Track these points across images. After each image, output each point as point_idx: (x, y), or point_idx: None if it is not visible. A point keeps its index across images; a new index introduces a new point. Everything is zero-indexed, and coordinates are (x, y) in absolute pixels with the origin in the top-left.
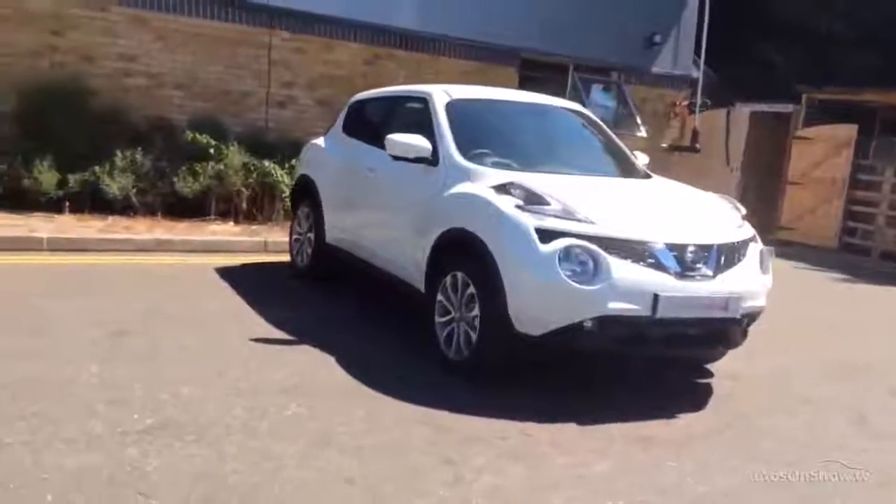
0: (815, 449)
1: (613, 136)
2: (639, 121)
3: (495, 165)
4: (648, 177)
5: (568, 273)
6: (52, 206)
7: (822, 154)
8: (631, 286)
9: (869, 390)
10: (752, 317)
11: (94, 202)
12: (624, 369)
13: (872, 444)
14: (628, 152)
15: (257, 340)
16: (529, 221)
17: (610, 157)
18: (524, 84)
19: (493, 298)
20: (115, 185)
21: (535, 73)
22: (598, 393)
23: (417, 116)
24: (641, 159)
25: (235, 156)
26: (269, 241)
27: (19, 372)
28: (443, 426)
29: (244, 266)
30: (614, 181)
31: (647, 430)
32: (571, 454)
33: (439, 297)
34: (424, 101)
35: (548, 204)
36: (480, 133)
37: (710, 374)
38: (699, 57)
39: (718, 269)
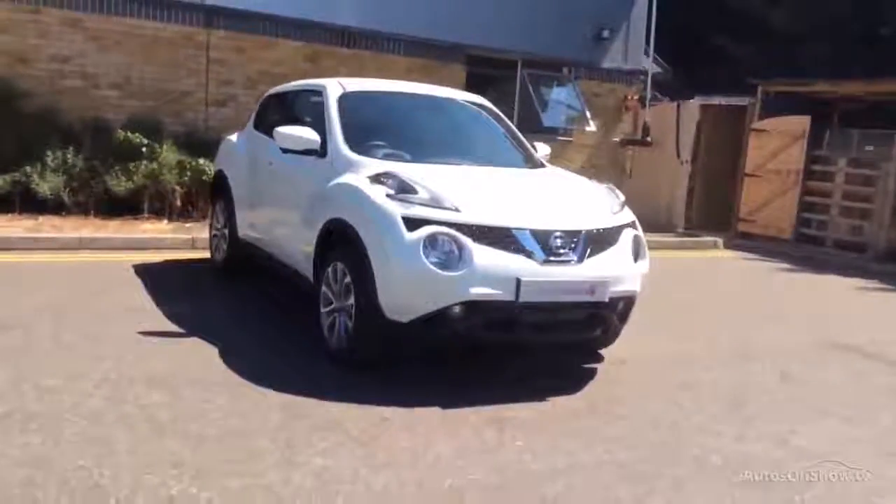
0: (669, 434)
1: (512, 128)
2: (588, 115)
3: (385, 157)
4: (541, 167)
5: (432, 260)
6: None
7: (777, 146)
8: (493, 271)
9: (760, 375)
10: (627, 301)
11: (25, 202)
12: (513, 355)
13: (735, 429)
14: (526, 143)
15: (146, 333)
16: (396, 210)
17: (503, 148)
18: (472, 81)
19: (365, 287)
20: (45, 186)
21: (482, 70)
22: (478, 378)
23: (314, 109)
24: (542, 150)
25: (170, 154)
26: (198, 238)
27: None
28: (300, 413)
29: (164, 262)
30: (499, 171)
31: (511, 412)
32: (421, 436)
33: (323, 287)
34: (320, 93)
35: (416, 193)
36: (373, 125)
37: (601, 359)
38: (650, 52)
39: (586, 255)
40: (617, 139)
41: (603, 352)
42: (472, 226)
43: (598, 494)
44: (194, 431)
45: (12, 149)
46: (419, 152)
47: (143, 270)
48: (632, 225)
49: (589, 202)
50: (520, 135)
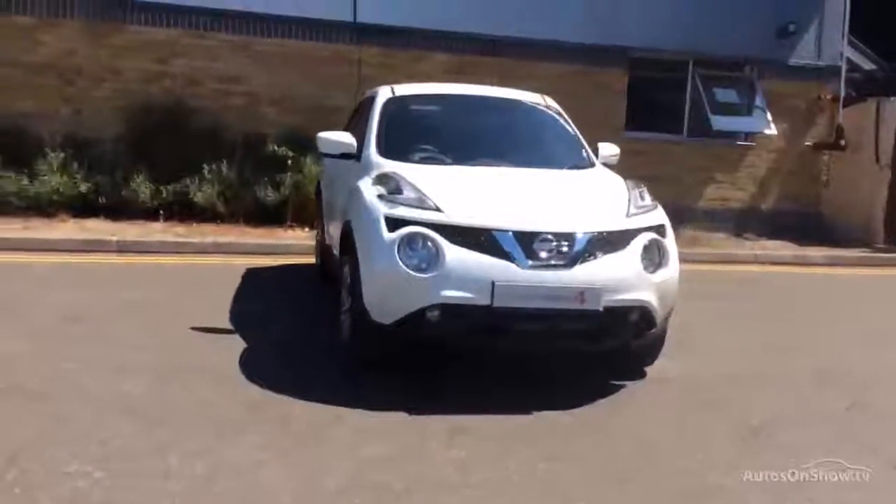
0: (645, 460)
1: (569, 127)
2: (769, 117)
3: (423, 160)
4: (590, 167)
5: (406, 260)
6: (149, 214)
7: None
8: (467, 274)
9: (822, 402)
10: (641, 313)
11: (184, 211)
12: (536, 364)
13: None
14: (581, 143)
15: (197, 329)
16: (381, 210)
17: (552, 149)
18: (635, 85)
19: (356, 288)
20: (201, 196)
21: (647, 73)
22: (479, 385)
23: (367, 114)
24: (606, 150)
25: (314, 166)
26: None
27: None
28: (260, 407)
29: (278, 266)
30: (526, 172)
31: (480, 423)
32: (362, 438)
33: (341, 288)
34: (373, 98)
35: (402, 193)
36: (417, 128)
37: (640, 376)
38: (843, 45)
39: (579, 260)
40: (809, 143)
41: (654, 370)
42: (451, 226)
43: None
44: (150, 414)
45: (178, 162)
46: (461, 155)
47: (251, 273)
48: (654, 230)
49: (599, 204)
50: (577, 135)
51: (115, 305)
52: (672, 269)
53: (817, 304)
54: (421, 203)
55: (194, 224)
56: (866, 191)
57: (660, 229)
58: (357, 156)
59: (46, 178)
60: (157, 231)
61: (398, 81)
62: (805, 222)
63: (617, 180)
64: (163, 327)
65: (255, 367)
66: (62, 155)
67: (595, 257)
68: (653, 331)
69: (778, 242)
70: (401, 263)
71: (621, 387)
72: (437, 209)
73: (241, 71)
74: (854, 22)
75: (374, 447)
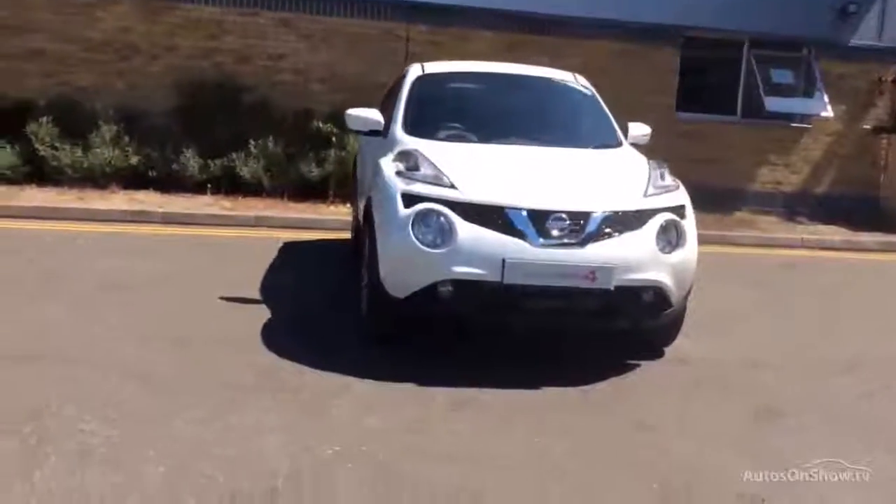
0: (643, 438)
1: (599, 106)
2: (826, 99)
3: (449, 138)
4: (617, 146)
5: (419, 236)
6: (197, 187)
7: None
8: (478, 250)
9: (838, 389)
10: (655, 293)
11: (231, 185)
12: (554, 341)
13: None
14: (610, 122)
15: (225, 299)
16: (398, 186)
17: (580, 128)
18: (687, 65)
19: (373, 262)
20: (246, 170)
21: (700, 53)
22: (493, 359)
23: (397, 92)
24: (636, 130)
25: (356, 143)
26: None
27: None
28: (273, 375)
29: (314, 241)
30: (550, 151)
31: (487, 396)
32: (364, 408)
33: (362, 262)
34: (404, 76)
35: (419, 170)
36: (446, 106)
37: (658, 356)
38: None
39: (591, 239)
40: (867, 126)
41: (673, 350)
42: (465, 203)
43: (452, 484)
44: (168, 380)
45: (226, 137)
46: (487, 133)
47: (287, 247)
48: (672, 210)
49: (616, 184)
50: (607, 114)
51: (153, 275)
52: (689, 250)
53: (860, 292)
54: (437, 180)
55: (240, 198)
56: None
57: (679, 210)
58: (385, 133)
59: (99, 150)
60: (204, 204)
61: (445, 59)
62: (861, 207)
63: (640, 160)
64: (193, 297)
65: (274, 337)
66: (115, 128)
67: (609, 236)
68: (669, 311)
69: (831, 227)
70: (414, 238)
71: (636, 366)
72: (453, 186)
73: (289, 48)
74: None
75: (377, 417)
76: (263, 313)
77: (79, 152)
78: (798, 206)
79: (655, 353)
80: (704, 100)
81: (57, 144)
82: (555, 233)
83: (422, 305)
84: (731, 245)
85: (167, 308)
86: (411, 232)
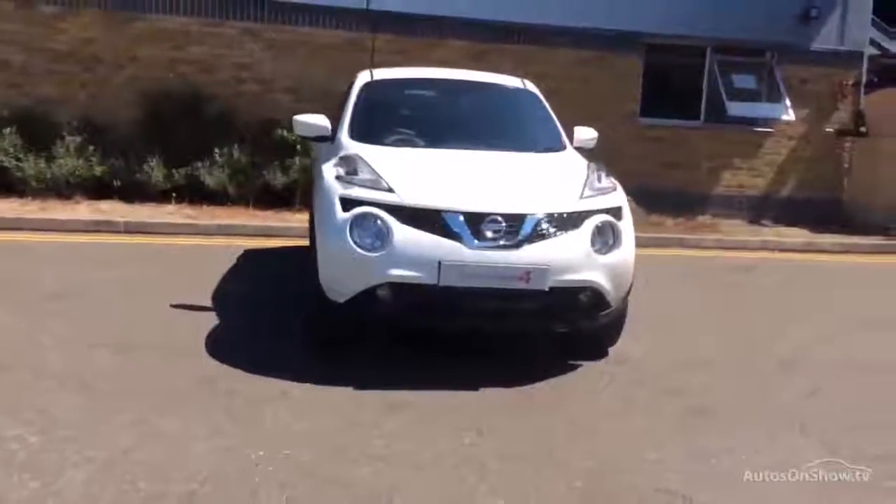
0: (569, 435)
1: (545, 111)
2: (788, 104)
3: (395, 143)
4: (560, 150)
5: (357, 239)
6: (162, 197)
7: None
8: (414, 253)
9: (784, 388)
10: (593, 294)
11: (195, 194)
12: (502, 343)
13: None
14: (555, 127)
15: (176, 307)
16: (337, 190)
17: (525, 132)
18: (651, 72)
19: (312, 265)
20: (211, 179)
21: (663, 59)
22: (434, 364)
23: (347, 98)
24: (583, 134)
25: None
26: None
27: None
28: (211, 382)
29: (276, 248)
30: (491, 155)
31: (421, 398)
32: (295, 412)
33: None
34: (353, 83)
35: (358, 174)
36: (393, 112)
37: (600, 356)
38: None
39: (527, 240)
40: (830, 129)
41: (616, 351)
42: (402, 207)
43: (370, 484)
44: (103, 387)
45: (191, 147)
46: (432, 138)
47: (248, 255)
48: (608, 212)
49: (553, 186)
50: (552, 118)
51: (105, 283)
52: (625, 251)
53: (812, 293)
54: (375, 184)
55: (204, 206)
56: (888, 178)
57: (615, 211)
58: (332, 139)
59: (63, 161)
60: (168, 213)
61: (411, 68)
62: (825, 210)
63: (580, 163)
64: (144, 305)
65: (218, 345)
66: (79, 139)
67: (543, 238)
68: (607, 312)
69: (794, 230)
70: (351, 243)
71: (578, 366)
72: (390, 190)
73: (254, 58)
74: (879, 6)
75: (308, 421)
76: (211, 321)
77: (42, 163)
78: (761, 210)
79: (598, 353)
80: (668, 105)
81: (20, 156)
82: (490, 235)
83: (361, 309)
84: (692, 248)
85: (115, 316)
86: (349, 236)
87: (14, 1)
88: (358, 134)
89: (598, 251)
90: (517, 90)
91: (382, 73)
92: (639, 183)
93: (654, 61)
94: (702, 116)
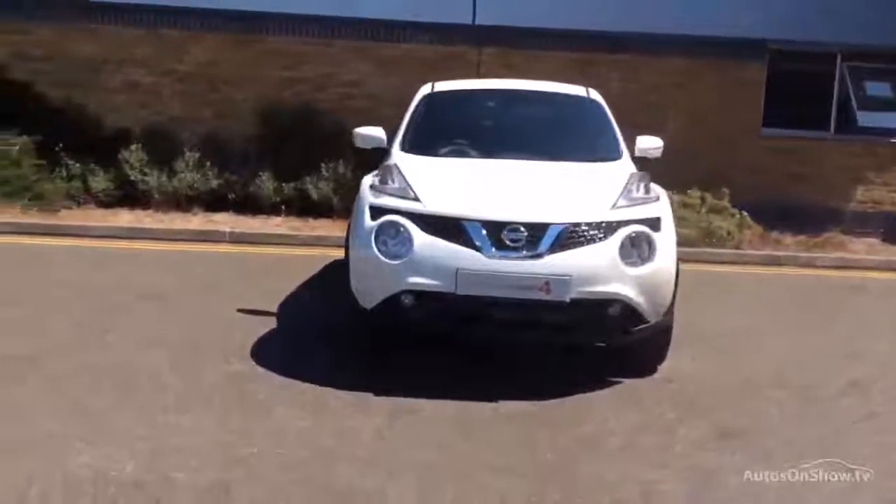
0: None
1: (605, 119)
2: None
3: (449, 154)
4: (614, 160)
5: (381, 247)
6: (272, 209)
7: None
8: (434, 261)
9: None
10: (623, 307)
11: (303, 207)
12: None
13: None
14: (614, 136)
15: (242, 311)
16: (368, 198)
17: (581, 141)
18: (775, 80)
19: (347, 272)
20: (317, 192)
21: (789, 66)
22: (482, 373)
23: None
24: (644, 143)
25: None
26: None
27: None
28: (236, 382)
29: None
30: (535, 165)
31: (429, 407)
32: (306, 413)
33: None
34: (416, 95)
35: (389, 183)
36: (451, 123)
37: (646, 374)
38: None
39: (548, 250)
40: None
41: (666, 369)
42: (425, 215)
43: (343, 485)
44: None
45: (301, 161)
46: (483, 149)
47: (334, 265)
48: (645, 222)
49: (586, 196)
50: (612, 127)
51: (193, 288)
52: (660, 263)
53: None
54: (403, 193)
55: (310, 219)
56: None
57: (652, 222)
58: (388, 150)
59: (183, 174)
60: (275, 225)
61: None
62: None
63: (624, 173)
64: (216, 308)
65: (264, 347)
66: (197, 154)
67: (567, 248)
68: (641, 327)
69: None
70: (375, 250)
71: (616, 383)
72: (416, 199)
73: (362, 75)
74: None
75: (312, 422)
76: (269, 325)
77: (164, 177)
78: None
79: (645, 371)
80: (793, 115)
81: (146, 170)
82: (510, 244)
83: (387, 316)
84: (805, 267)
85: (184, 318)
86: (373, 243)
87: (145, 28)
88: (409, 145)
89: (630, 263)
90: (580, 99)
91: (443, 86)
92: (760, 197)
93: (777, 69)
94: (832, 127)
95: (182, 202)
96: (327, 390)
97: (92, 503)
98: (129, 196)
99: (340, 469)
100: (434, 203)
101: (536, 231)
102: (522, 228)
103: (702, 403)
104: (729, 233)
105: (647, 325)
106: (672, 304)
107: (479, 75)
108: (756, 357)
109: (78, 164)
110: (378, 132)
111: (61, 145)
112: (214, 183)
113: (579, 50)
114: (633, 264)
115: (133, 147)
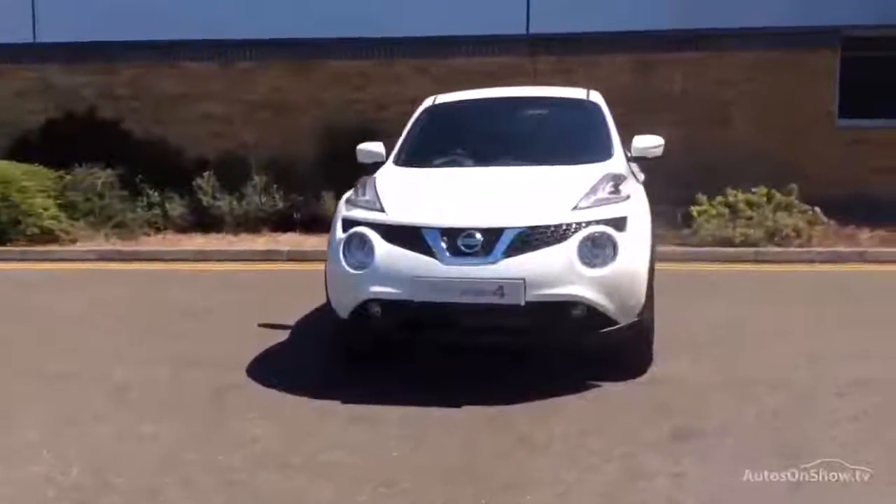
0: (484, 460)
1: (603, 124)
2: None
3: (442, 164)
4: (603, 161)
5: (348, 258)
6: None
7: None
8: (392, 270)
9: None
10: (587, 309)
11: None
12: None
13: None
14: (609, 139)
15: (262, 325)
16: (341, 211)
17: (562, 145)
18: (849, 67)
19: (325, 283)
20: None
21: (863, 53)
22: (457, 378)
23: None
24: (641, 143)
25: None
26: None
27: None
28: (221, 392)
29: None
30: (508, 170)
31: (393, 412)
32: (264, 422)
33: None
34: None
35: (362, 196)
36: (447, 134)
37: (630, 377)
38: None
39: (504, 255)
40: None
41: (655, 372)
42: (387, 225)
43: (273, 490)
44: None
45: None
46: (472, 157)
47: None
48: (608, 222)
49: (547, 198)
50: (607, 129)
51: (232, 305)
52: (623, 264)
53: None
54: (371, 205)
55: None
56: None
57: (617, 222)
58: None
59: (251, 198)
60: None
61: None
62: None
63: (597, 173)
64: (242, 324)
65: (263, 359)
66: (265, 178)
67: (522, 252)
68: (610, 329)
69: None
70: (343, 261)
71: (595, 386)
72: (381, 210)
73: (421, 92)
74: None
75: (270, 429)
76: (280, 338)
77: (234, 201)
78: None
79: (632, 374)
80: (872, 104)
81: (217, 195)
82: (466, 250)
83: (358, 325)
84: (871, 263)
85: (207, 334)
86: (341, 254)
87: (217, 61)
88: (400, 158)
89: (589, 264)
90: (578, 102)
91: (445, 97)
92: (837, 191)
93: (853, 56)
94: None
95: (252, 224)
96: (299, 399)
97: None
98: (203, 221)
99: (268, 475)
100: (396, 213)
101: (491, 236)
102: (478, 234)
103: (674, 406)
104: (796, 231)
105: (617, 326)
106: (646, 305)
107: (535, 84)
108: (758, 357)
109: (157, 193)
110: (377, 147)
111: (142, 176)
112: (281, 205)
113: (638, 52)
114: (593, 265)
115: (206, 174)
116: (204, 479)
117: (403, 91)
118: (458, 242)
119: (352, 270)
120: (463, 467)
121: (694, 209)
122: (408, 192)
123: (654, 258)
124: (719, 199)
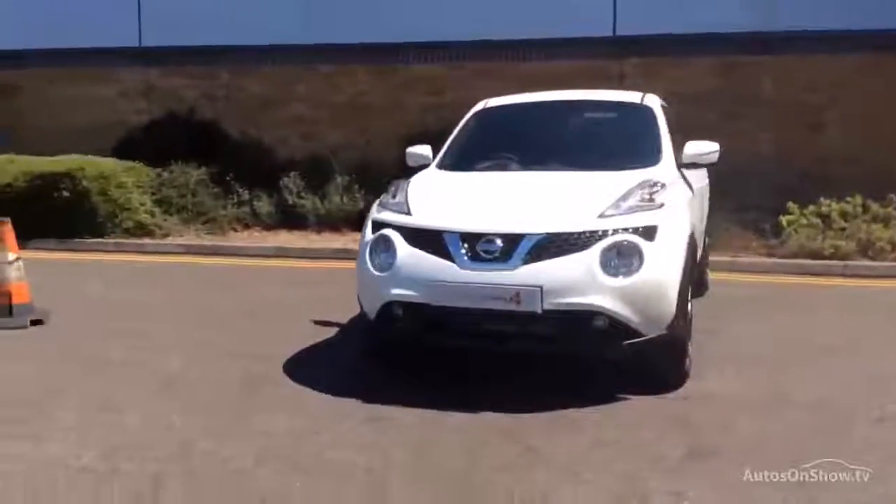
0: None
1: (655, 128)
2: None
3: (486, 168)
4: (650, 166)
5: (374, 260)
6: None
7: None
8: (413, 273)
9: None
10: (609, 320)
11: None
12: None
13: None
14: (659, 144)
15: (316, 322)
16: (372, 213)
17: (609, 150)
18: None
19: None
20: None
21: None
22: (485, 382)
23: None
24: (692, 149)
25: None
26: None
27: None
28: (251, 385)
29: None
30: (545, 175)
31: (411, 416)
32: (279, 418)
33: None
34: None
35: (392, 199)
36: (496, 138)
37: (662, 391)
38: None
39: (523, 261)
40: None
41: (690, 387)
42: (410, 228)
43: (262, 487)
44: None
45: None
46: (514, 161)
47: None
48: (636, 231)
49: (574, 205)
50: (658, 134)
51: (292, 302)
52: (650, 274)
53: None
54: (399, 207)
55: None
56: None
57: (645, 231)
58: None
59: (333, 198)
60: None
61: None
62: None
63: (635, 179)
64: (297, 319)
65: (306, 356)
66: (347, 178)
67: (543, 259)
68: (636, 341)
69: None
70: (368, 263)
71: (624, 399)
72: (408, 213)
73: (499, 93)
74: None
75: (283, 425)
76: (327, 336)
77: (318, 201)
78: None
79: (665, 388)
80: None
81: (302, 194)
82: (485, 255)
83: (382, 326)
84: None
85: (261, 329)
86: (367, 256)
87: (304, 66)
88: (444, 162)
89: (612, 273)
90: (631, 106)
91: (496, 101)
92: None
93: None
94: None
95: (334, 223)
96: (321, 396)
97: None
98: (288, 218)
99: (263, 472)
100: (421, 216)
101: (510, 242)
102: (498, 240)
103: (696, 423)
104: (892, 244)
105: (644, 338)
106: (677, 316)
107: (621, 87)
108: (804, 376)
109: (246, 192)
110: (425, 150)
111: (232, 174)
112: (362, 204)
113: (725, 54)
114: (617, 275)
115: (291, 174)
116: (207, 471)
117: (481, 95)
118: (478, 247)
119: (376, 272)
120: (460, 476)
121: (783, 218)
122: (436, 195)
123: (695, 269)
124: (811, 208)
